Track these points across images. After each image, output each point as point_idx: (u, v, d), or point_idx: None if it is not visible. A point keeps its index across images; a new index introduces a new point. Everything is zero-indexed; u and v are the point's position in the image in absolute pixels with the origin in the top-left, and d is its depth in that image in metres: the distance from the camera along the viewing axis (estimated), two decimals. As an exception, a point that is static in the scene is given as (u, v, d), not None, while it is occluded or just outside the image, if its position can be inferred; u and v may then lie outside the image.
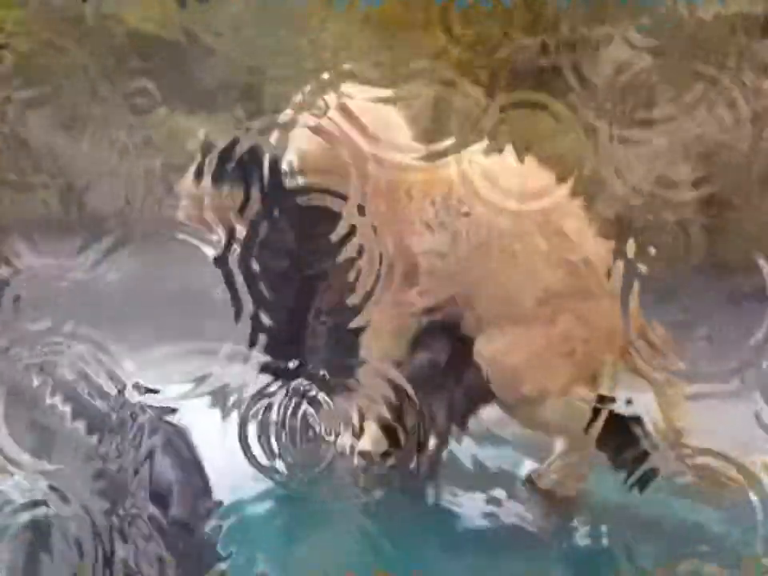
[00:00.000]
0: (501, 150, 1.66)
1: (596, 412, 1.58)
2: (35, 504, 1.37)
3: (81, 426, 1.46)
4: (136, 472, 1.41)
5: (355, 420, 1.69)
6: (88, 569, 1.31)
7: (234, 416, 1.73)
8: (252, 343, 1.72)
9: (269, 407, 1.74)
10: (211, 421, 1.66)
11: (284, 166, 1.69)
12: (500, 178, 1.60)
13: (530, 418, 1.62)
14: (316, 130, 1.65)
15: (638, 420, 1.59)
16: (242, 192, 1.72)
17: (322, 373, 1.69)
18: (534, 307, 1.57)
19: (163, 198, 1.70)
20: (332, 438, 1.70)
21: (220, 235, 1.74)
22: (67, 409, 1.45)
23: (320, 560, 1.44)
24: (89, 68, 1.68)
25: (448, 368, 1.61)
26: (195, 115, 1.75)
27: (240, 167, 1.73)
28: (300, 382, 1.72)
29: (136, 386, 1.45)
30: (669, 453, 1.56)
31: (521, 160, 1.64)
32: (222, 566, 1.35)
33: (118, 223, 1.63)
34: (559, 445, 1.65)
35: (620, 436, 1.59)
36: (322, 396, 1.73)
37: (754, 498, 1.53)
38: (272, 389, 1.74)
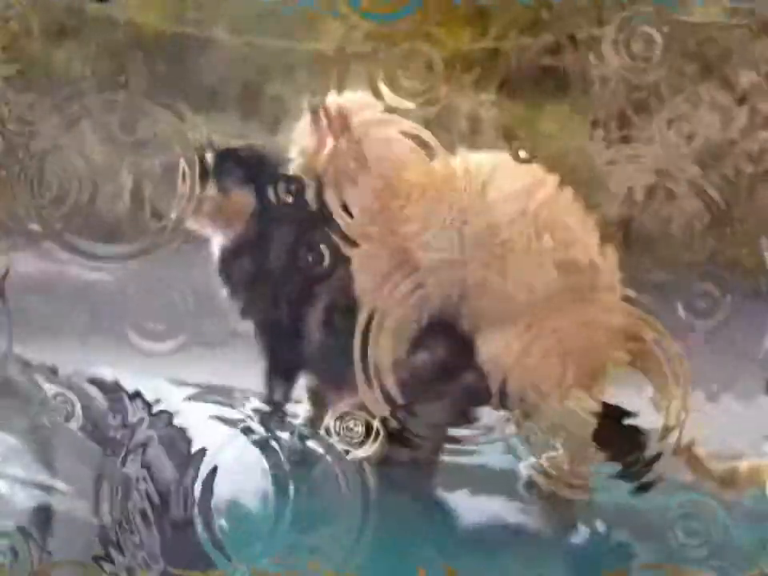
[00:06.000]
0: (501, 150, 1.66)
1: (596, 412, 1.58)
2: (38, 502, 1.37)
3: (81, 426, 1.46)
4: (136, 473, 1.41)
5: (355, 420, 1.69)
6: (87, 568, 1.31)
7: (235, 417, 1.73)
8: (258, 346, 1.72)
9: (269, 408, 1.74)
10: (212, 421, 1.66)
11: (285, 167, 1.69)
12: (500, 178, 1.60)
13: (530, 418, 1.61)
14: (317, 131, 1.65)
15: (639, 419, 1.59)
16: (242, 192, 1.72)
17: (320, 376, 1.70)
18: (533, 307, 1.56)
19: (163, 198, 1.70)
20: (332, 438, 1.70)
21: (221, 235, 1.74)
22: (67, 410, 1.45)
23: (319, 559, 1.44)
24: (89, 68, 1.68)
25: (448, 368, 1.61)
26: (196, 115, 1.75)
27: (241, 167, 1.73)
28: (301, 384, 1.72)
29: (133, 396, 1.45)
30: (672, 453, 1.56)
31: (521, 160, 1.64)
32: (221, 565, 1.35)
33: (117, 223, 1.63)
34: (559, 445, 1.64)
35: (621, 436, 1.59)
36: (322, 398, 1.73)
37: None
38: (272, 392, 1.74)
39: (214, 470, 1.52)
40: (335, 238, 1.64)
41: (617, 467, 1.60)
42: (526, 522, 1.59)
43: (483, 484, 1.66)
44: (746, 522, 1.58)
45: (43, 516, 1.36)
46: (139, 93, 1.73)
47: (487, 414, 1.64)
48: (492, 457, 1.73)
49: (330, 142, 1.65)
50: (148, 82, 1.74)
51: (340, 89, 1.73)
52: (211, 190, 1.73)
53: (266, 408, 1.74)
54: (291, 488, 1.63)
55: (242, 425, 1.73)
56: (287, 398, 1.75)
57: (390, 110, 1.69)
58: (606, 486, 1.61)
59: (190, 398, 1.67)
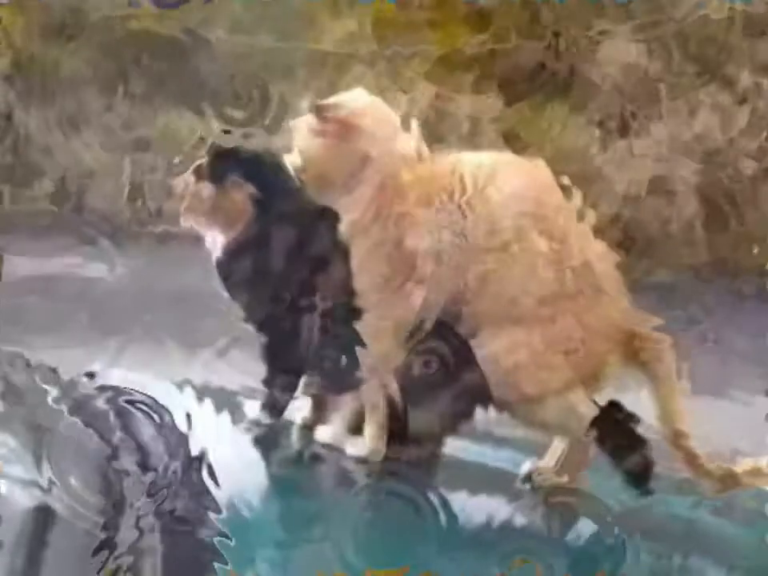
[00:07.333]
0: (501, 150, 1.66)
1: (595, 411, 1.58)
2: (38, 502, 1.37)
3: (81, 426, 1.45)
4: (136, 473, 1.41)
5: (355, 421, 1.69)
6: (88, 567, 1.31)
7: (236, 416, 1.73)
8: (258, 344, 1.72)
9: (269, 408, 1.74)
10: (212, 421, 1.66)
11: (285, 167, 1.69)
12: (500, 178, 1.60)
13: (530, 418, 1.61)
14: (317, 131, 1.64)
15: (638, 419, 1.59)
16: (242, 192, 1.72)
17: (320, 376, 1.70)
18: (533, 307, 1.56)
19: (163, 198, 1.70)
20: (332, 439, 1.70)
21: (219, 234, 1.74)
22: (67, 410, 1.45)
23: (319, 559, 1.44)
24: (89, 68, 1.68)
25: (448, 368, 1.61)
26: (196, 115, 1.75)
27: (240, 167, 1.72)
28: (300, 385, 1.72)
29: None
30: (671, 452, 1.56)
31: (521, 159, 1.65)
32: (221, 563, 1.35)
33: (116, 223, 1.63)
34: (559, 444, 1.64)
35: (621, 435, 1.59)
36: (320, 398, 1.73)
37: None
38: (272, 392, 1.74)
39: (215, 469, 1.52)
40: (335, 238, 1.64)
41: (616, 466, 1.60)
42: (526, 521, 1.59)
43: (483, 484, 1.65)
44: (746, 521, 1.58)
45: (43, 516, 1.36)
46: (139, 93, 1.73)
47: (487, 414, 1.64)
48: (492, 456, 1.73)
49: (329, 142, 1.64)
50: (148, 82, 1.74)
51: (340, 88, 1.73)
52: (211, 189, 1.72)
53: (266, 408, 1.74)
54: (291, 488, 1.63)
55: (242, 425, 1.73)
56: (287, 398, 1.75)
57: (390, 109, 1.69)
58: (605, 484, 1.60)
59: (190, 398, 1.67)
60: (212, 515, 1.35)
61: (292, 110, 1.70)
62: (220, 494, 1.45)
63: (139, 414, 1.42)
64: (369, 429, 1.66)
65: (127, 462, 1.37)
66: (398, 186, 1.62)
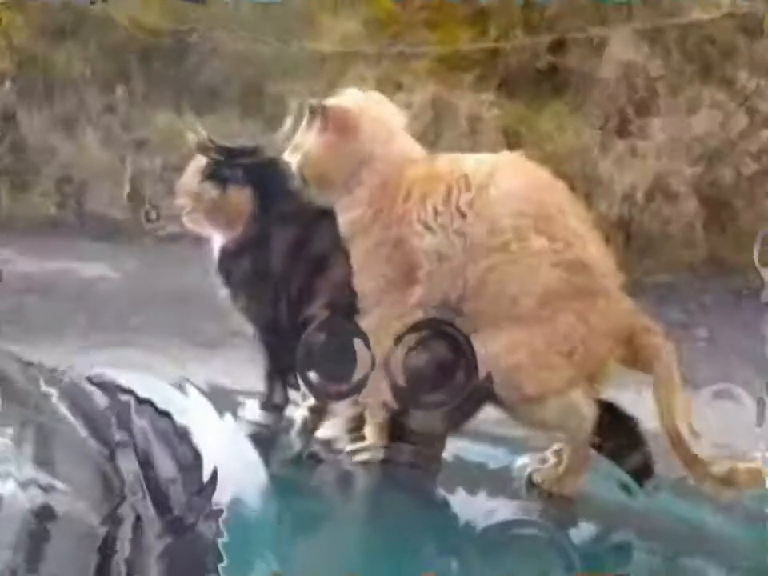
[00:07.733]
0: (501, 150, 1.66)
1: (595, 411, 1.58)
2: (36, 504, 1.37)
3: (80, 426, 1.46)
4: (135, 473, 1.41)
5: (355, 421, 1.69)
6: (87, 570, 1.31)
7: (235, 416, 1.73)
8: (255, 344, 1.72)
9: (269, 408, 1.74)
10: (212, 421, 1.66)
11: (285, 167, 1.69)
12: (500, 178, 1.60)
13: (530, 418, 1.61)
14: (317, 131, 1.64)
15: (638, 419, 1.59)
16: (242, 192, 1.72)
17: (321, 375, 1.69)
18: (534, 307, 1.56)
19: (163, 198, 1.70)
20: (332, 438, 1.70)
21: (220, 235, 1.74)
22: (67, 410, 1.45)
23: (319, 560, 1.44)
24: (89, 68, 1.68)
25: (448, 368, 1.61)
26: (196, 115, 1.75)
27: (240, 167, 1.73)
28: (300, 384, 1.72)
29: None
30: (671, 453, 1.56)
31: (521, 159, 1.64)
32: (221, 565, 1.35)
33: (116, 223, 1.63)
34: (559, 444, 1.64)
35: (621, 435, 1.59)
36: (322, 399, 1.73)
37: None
38: (272, 392, 1.74)
39: (214, 470, 1.52)
40: (335, 238, 1.64)
41: (616, 467, 1.60)
42: (526, 521, 1.59)
43: (483, 483, 1.65)
44: (746, 521, 1.58)
45: (43, 517, 1.36)
46: (139, 93, 1.73)
47: (487, 414, 1.64)
48: (492, 456, 1.73)
49: (329, 141, 1.65)
50: (148, 82, 1.74)
51: (340, 88, 1.74)
52: (211, 189, 1.72)
53: (266, 408, 1.74)
54: (291, 488, 1.63)
55: (242, 425, 1.73)
56: (287, 398, 1.75)
57: (390, 108, 1.70)
58: (605, 484, 1.61)
59: (190, 398, 1.67)
60: (211, 516, 1.35)
61: (291, 110, 1.69)
62: (219, 495, 1.45)
63: (139, 414, 1.42)
64: (369, 428, 1.66)
65: (127, 462, 1.37)
66: (398, 185, 1.63)
